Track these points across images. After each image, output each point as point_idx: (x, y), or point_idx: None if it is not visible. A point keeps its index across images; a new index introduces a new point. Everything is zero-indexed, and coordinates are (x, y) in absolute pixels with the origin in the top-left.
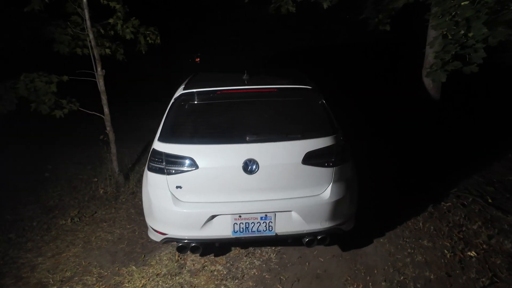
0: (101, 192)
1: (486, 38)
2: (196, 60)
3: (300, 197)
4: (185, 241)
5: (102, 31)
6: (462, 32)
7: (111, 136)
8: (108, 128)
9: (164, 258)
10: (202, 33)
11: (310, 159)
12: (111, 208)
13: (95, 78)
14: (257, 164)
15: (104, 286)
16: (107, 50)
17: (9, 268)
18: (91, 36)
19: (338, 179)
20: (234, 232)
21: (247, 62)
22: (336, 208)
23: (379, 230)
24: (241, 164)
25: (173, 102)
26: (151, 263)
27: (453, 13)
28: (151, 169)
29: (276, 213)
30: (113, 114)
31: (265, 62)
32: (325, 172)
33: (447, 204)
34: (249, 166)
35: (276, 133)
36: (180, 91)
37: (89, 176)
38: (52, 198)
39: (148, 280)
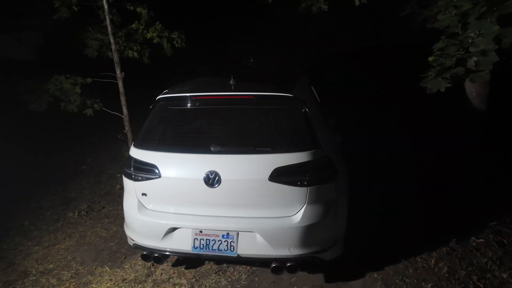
0: (118, 188)
1: (498, 39)
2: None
3: (265, 218)
4: (148, 250)
5: (123, 35)
6: (470, 31)
7: (129, 135)
8: (126, 128)
9: (139, 263)
10: (254, 33)
11: (279, 176)
12: (119, 205)
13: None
14: (219, 177)
15: (74, 283)
16: (135, 54)
17: (8, 254)
18: (112, 40)
19: (314, 201)
20: (194, 248)
21: (296, 64)
22: (310, 233)
23: (377, 262)
24: (202, 176)
25: (151, 107)
26: (125, 266)
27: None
28: (124, 174)
29: (239, 232)
30: (134, 115)
31: (314, 65)
32: (298, 192)
33: (479, 240)
34: (211, 179)
35: (244, 144)
36: (159, 95)
37: (116, 172)
38: (74, 190)
39: (113, 283)
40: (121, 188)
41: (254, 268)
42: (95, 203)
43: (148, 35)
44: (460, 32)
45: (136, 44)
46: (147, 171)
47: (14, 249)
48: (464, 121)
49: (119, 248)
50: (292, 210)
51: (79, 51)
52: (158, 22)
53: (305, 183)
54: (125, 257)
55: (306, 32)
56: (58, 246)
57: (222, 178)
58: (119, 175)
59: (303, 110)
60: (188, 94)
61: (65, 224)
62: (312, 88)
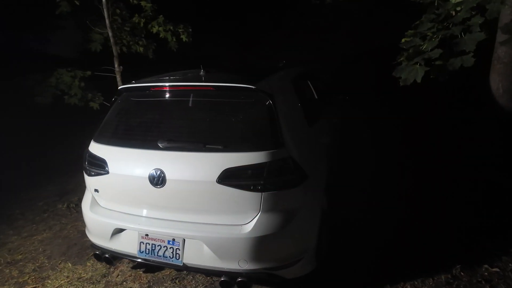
0: None
1: (481, 5)
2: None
3: (212, 225)
4: (100, 249)
5: (128, 28)
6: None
7: None
8: None
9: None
10: (285, 29)
11: (229, 178)
12: None
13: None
14: (164, 176)
15: (33, 277)
16: (140, 48)
17: None
18: (110, 34)
19: (271, 208)
20: (140, 252)
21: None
22: (263, 246)
23: (355, 284)
24: (147, 174)
25: (114, 98)
26: (87, 264)
27: None
28: (83, 168)
29: (185, 239)
30: None
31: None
32: (251, 198)
33: (493, 269)
34: (155, 178)
35: (193, 141)
36: (121, 86)
37: None
38: (74, 183)
39: (68, 281)
40: None
41: (215, 279)
42: None
43: (154, 30)
44: (440, 2)
45: (142, 39)
46: (98, 166)
47: None
48: (487, 127)
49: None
50: (245, 219)
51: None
52: (161, 15)
53: (259, 187)
54: (92, 254)
55: (337, 28)
56: (34, 237)
57: (167, 177)
58: None
59: (266, 104)
60: (147, 84)
61: (51, 215)
62: (297, 83)
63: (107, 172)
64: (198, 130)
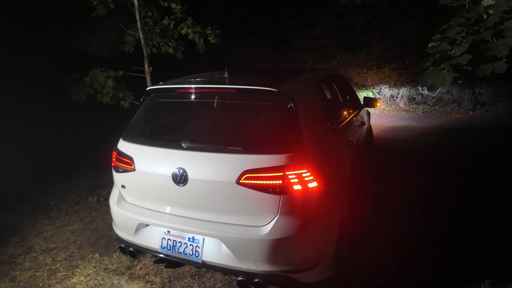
0: None
1: None
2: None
3: (231, 225)
4: (125, 243)
5: (158, 30)
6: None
7: None
8: None
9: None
10: (316, 30)
11: (248, 180)
12: None
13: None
14: (186, 175)
15: (64, 266)
16: (170, 49)
17: (24, 229)
18: (141, 35)
19: (289, 212)
20: (162, 247)
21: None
22: (280, 249)
23: None
24: (171, 172)
25: (142, 98)
26: (113, 256)
27: None
28: (112, 165)
29: (205, 237)
30: None
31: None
32: (269, 201)
33: None
34: (178, 177)
35: (215, 142)
36: (150, 87)
37: None
38: (105, 177)
39: (95, 271)
40: None
41: (233, 278)
42: None
43: (183, 31)
44: (470, 6)
45: (172, 40)
46: (125, 163)
47: (31, 225)
48: None
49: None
50: (263, 220)
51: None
52: (189, 18)
53: (278, 190)
54: (118, 247)
55: (370, 28)
56: (67, 228)
57: (189, 176)
58: None
59: (288, 107)
60: (173, 86)
61: (83, 208)
62: (325, 86)
63: (134, 169)
64: (220, 132)
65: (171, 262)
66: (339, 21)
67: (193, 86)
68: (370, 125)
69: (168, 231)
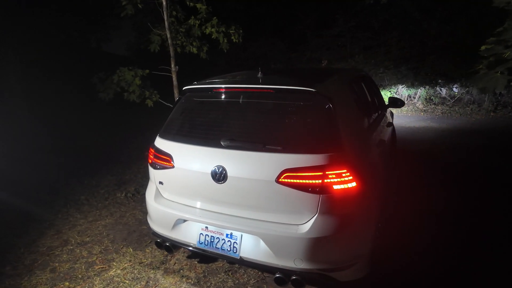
0: None
1: None
2: (323, 62)
3: (270, 222)
4: (161, 238)
5: (183, 30)
6: None
7: None
8: None
9: (159, 249)
10: (333, 29)
11: (288, 179)
12: None
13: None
14: (225, 173)
15: (100, 259)
16: (194, 49)
17: (59, 222)
18: (168, 35)
19: (328, 211)
20: (199, 243)
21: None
22: (319, 247)
23: None
24: (210, 170)
25: (178, 98)
26: (146, 250)
27: None
28: (148, 162)
29: (243, 234)
30: None
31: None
32: (309, 200)
33: None
34: (217, 174)
35: (254, 141)
36: (186, 86)
37: None
38: (130, 173)
39: (131, 264)
40: None
41: (266, 275)
42: (143, 186)
43: (207, 31)
44: None
45: (196, 40)
46: (163, 160)
47: (65, 219)
48: None
49: (149, 232)
50: (302, 219)
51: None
52: (214, 18)
53: (317, 189)
54: (150, 241)
55: (388, 27)
56: (99, 222)
57: (228, 174)
58: None
59: (326, 107)
60: (209, 86)
61: (112, 203)
62: (356, 86)
63: (173, 166)
64: (259, 131)
65: (204, 257)
66: (357, 20)
67: (230, 86)
68: (393, 126)
69: (206, 227)
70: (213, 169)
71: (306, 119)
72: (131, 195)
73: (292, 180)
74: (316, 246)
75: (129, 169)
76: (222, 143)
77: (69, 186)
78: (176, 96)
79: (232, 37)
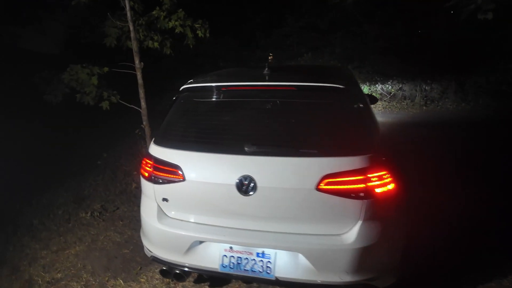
0: (133, 187)
1: None
2: (270, 57)
3: (311, 235)
4: (168, 265)
5: (143, 23)
6: None
7: (147, 130)
8: (144, 123)
9: (157, 276)
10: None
11: (330, 184)
12: (135, 206)
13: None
14: (254, 183)
15: None
16: (155, 44)
17: (13, 257)
18: (131, 27)
19: (372, 216)
20: (223, 266)
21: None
22: (366, 257)
23: None
24: (234, 181)
25: (174, 98)
26: (141, 280)
27: None
28: (142, 175)
29: (277, 251)
30: (153, 108)
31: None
32: (351, 206)
33: None
34: (244, 185)
35: (285, 145)
36: (184, 86)
37: (132, 169)
38: (88, 187)
39: None
40: (138, 187)
41: None
42: (109, 202)
43: (170, 24)
44: None
45: (157, 34)
46: (169, 172)
47: (20, 251)
48: None
49: (134, 256)
50: (344, 227)
51: (99, 42)
52: (181, 10)
53: (362, 194)
54: (140, 268)
55: (334, 28)
56: (67, 251)
57: (258, 184)
58: (135, 172)
59: (356, 106)
60: (216, 84)
61: (77, 225)
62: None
63: (183, 179)
64: (288, 133)
65: (215, 280)
66: (305, 21)
67: (243, 83)
68: None
69: (231, 247)
70: (239, 179)
71: (337, 118)
72: (97, 214)
73: (333, 187)
74: (363, 256)
75: (85, 182)
76: (246, 149)
77: (13, 208)
78: (142, 96)
79: (198, 32)
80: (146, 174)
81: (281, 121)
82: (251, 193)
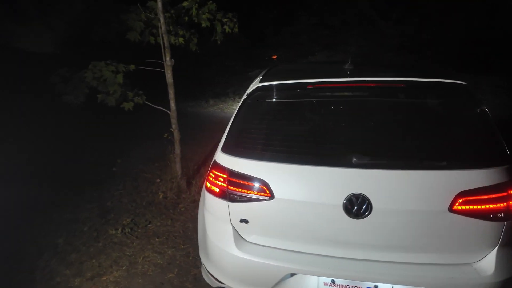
0: (161, 196)
1: None
2: (273, 57)
3: (437, 265)
4: None
5: (175, 16)
6: None
7: (176, 134)
8: (173, 126)
9: None
10: (290, 26)
11: (466, 204)
12: (168, 219)
13: (163, 69)
14: (368, 204)
15: None
16: (180, 39)
17: (43, 285)
18: (161, 20)
19: (509, 241)
20: None
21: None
22: None
23: None
24: (341, 201)
25: (244, 99)
26: None
27: None
28: (210, 190)
29: (393, 286)
30: (182, 110)
31: None
32: (488, 229)
33: None
34: (355, 206)
35: (404, 156)
36: (255, 85)
37: (154, 176)
38: (111, 198)
39: None
40: (165, 197)
41: None
42: (139, 216)
43: (204, 16)
44: None
45: (183, 29)
46: (250, 188)
47: (49, 279)
48: None
49: (183, 282)
50: (476, 255)
51: (111, 39)
52: (211, 1)
53: (501, 215)
54: None
55: (348, 27)
56: (105, 278)
57: (373, 205)
58: (158, 180)
59: (480, 107)
60: (302, 81)
61: (108, 244)
62: None
63: (271, 197)
64: (404, 141)
65: None
66: (317, 19)
67: (338, 79)
68: None
69: (333, 281)
70: (347, 199)
71: (464, 121)
72: (129, 230)
73: (470, 207)
74: None
75: (108, 192)
76: (354, 160)
77: (34, 224)
78: (172, 96)
79: (225, 27)
80: (217, 190)
81: (392, 125)
82: (362, 216)
